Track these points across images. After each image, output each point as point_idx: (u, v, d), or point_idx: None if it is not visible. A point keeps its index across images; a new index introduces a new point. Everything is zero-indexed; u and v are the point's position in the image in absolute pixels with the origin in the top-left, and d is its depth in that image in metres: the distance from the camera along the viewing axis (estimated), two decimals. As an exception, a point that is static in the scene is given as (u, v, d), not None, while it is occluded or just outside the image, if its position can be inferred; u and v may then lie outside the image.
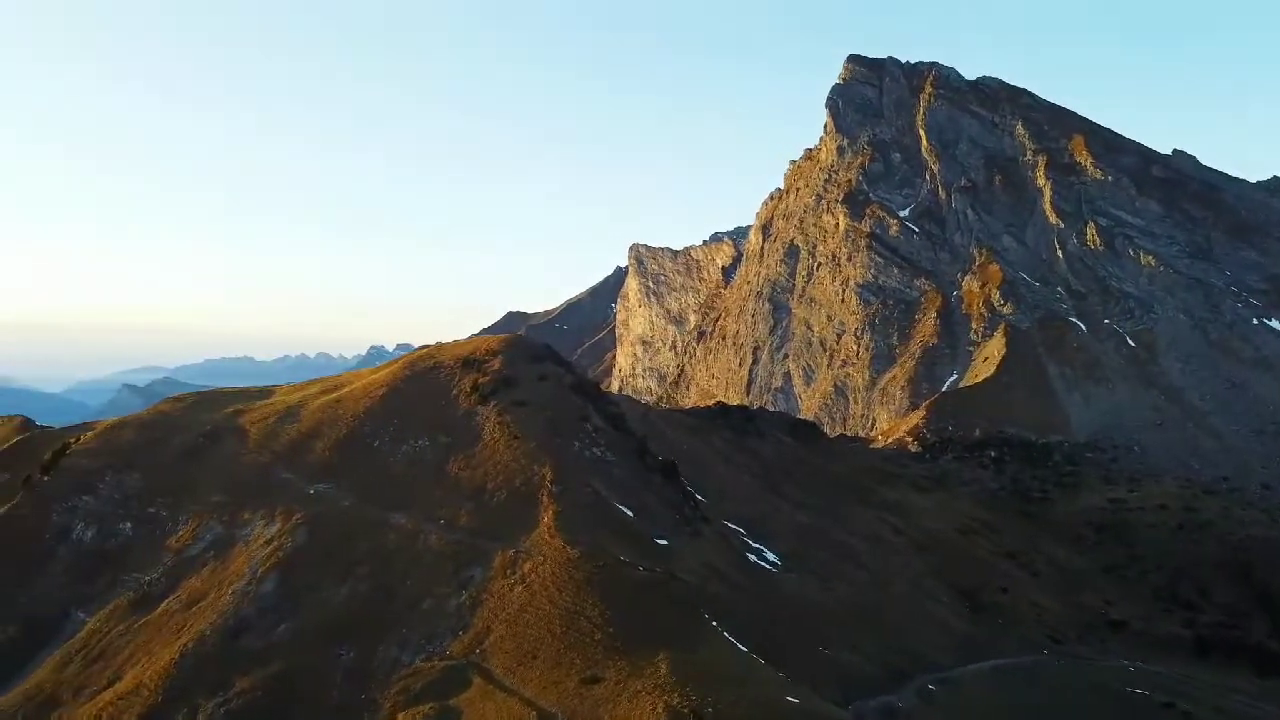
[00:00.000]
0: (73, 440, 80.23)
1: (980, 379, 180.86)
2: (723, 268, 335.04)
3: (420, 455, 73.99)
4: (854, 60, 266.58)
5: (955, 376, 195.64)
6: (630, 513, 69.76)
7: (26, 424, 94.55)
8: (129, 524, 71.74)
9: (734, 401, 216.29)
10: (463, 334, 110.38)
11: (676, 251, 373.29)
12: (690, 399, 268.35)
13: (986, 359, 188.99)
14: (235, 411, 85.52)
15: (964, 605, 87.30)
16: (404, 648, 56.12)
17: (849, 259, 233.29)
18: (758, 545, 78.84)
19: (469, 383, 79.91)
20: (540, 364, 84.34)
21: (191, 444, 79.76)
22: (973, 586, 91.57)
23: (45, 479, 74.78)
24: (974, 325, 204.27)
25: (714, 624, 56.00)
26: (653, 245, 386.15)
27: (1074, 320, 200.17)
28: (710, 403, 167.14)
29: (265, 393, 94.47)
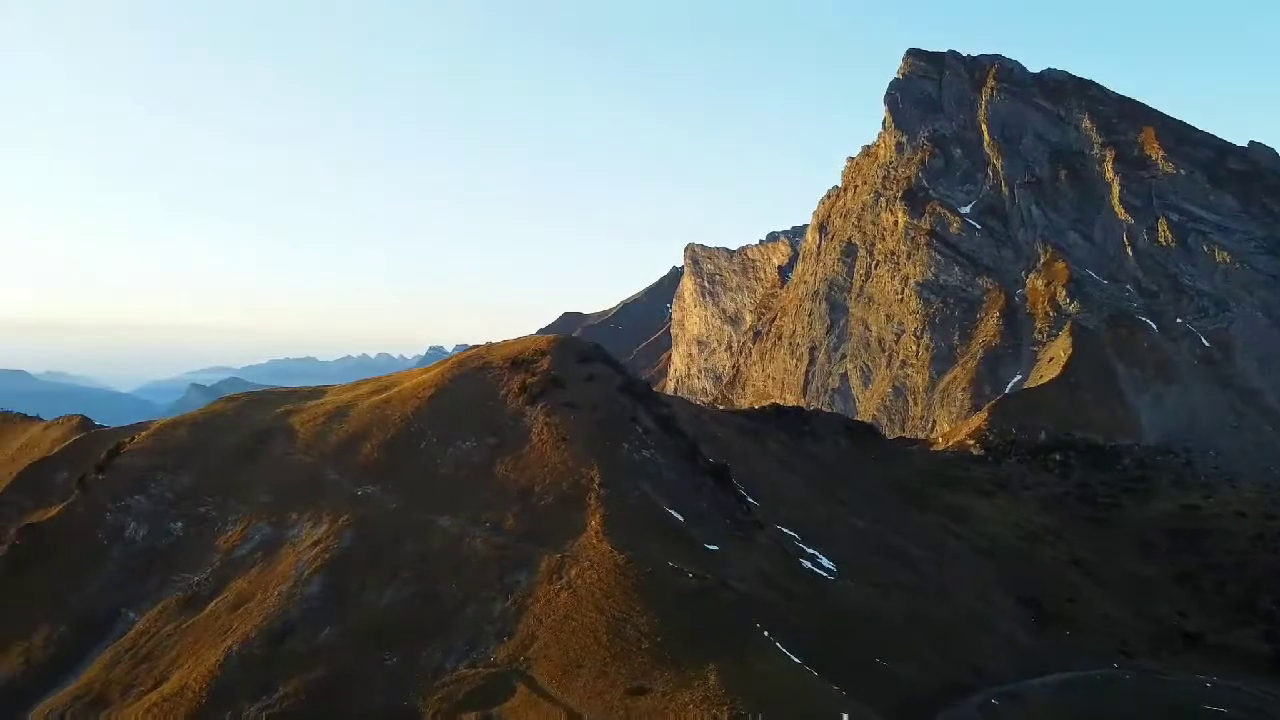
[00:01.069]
0: (127, 440, 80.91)
1: (1045, 380, 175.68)
2: (779, 267, 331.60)
3: (467, 457, 73.03)
4: (913, 54, 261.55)
5: (1019, 377, 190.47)
6: (680, 517, 68.00)
7: (85, 423, 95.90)
8: (180, 523, 71.92)
9: (790, 403, 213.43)
10: (520, 335, 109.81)
11: (732, 251, 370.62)
12: (746, 400, 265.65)
13: (1052, 359, 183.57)
14: (286, 411, 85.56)
15: (1029, 615, 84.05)
16: (447, 654, 55.03)
17: (908, 257, 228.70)
18: (812, 551, 76.48)
19: (517, 383, 78.84)
20: (589, 364, 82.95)
21: (242, 444, 79.90)
22: (1038, 595, 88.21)
23: (99, 478, 75.41)
24: (1038, 325, 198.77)
25: (766, 634, 54.08)
26: (708, 245, 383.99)
27: (1144, 319, 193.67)
28: (765, 404, 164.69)
29: (317, 393, 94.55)
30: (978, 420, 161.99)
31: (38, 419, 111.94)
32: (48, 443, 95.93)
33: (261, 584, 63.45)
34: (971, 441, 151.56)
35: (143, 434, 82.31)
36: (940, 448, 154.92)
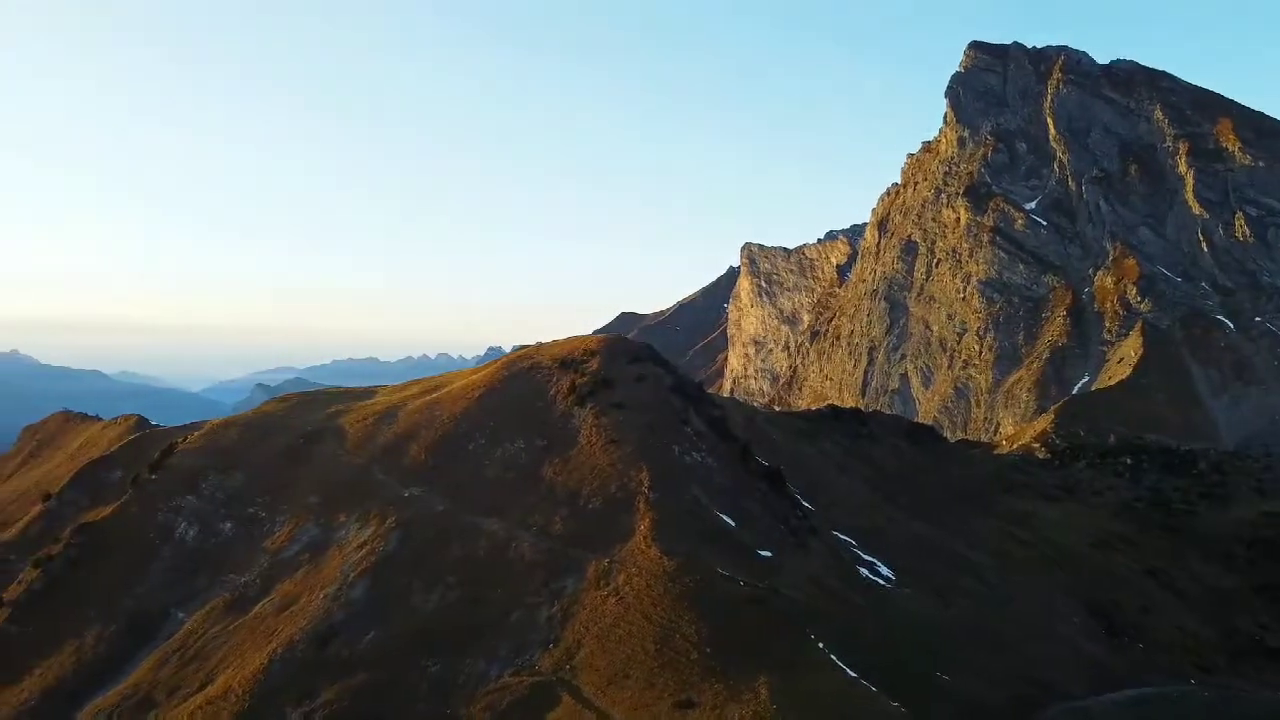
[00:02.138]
0: (180, 440, 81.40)
1: (1115, 381, 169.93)
2: (837, 266, 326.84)
3: (515, 458, 71.86)
4: (976, 47, 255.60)
5: (1087, 379, 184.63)
6: (732, 522, 65.98)
7: (141, 423, 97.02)
8: (229, 524, 71.96)
9: (848, 404, 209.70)
10: (577, 336, 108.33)
11: (790, 250, 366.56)
12: (803, 401, 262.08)
13: (1122, 360, 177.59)
14: (336, 412, 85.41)
15: (1099, 627, 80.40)
16: (491, 661, 53.82)
17: (971, 255, 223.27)
18: (870, 559, 73.84)
19: (566, 384, 77.46)
20: (639, 364, 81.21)
21: (292, 444, 79.81)
22: (1109, 606, 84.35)
23: (152, 478, 75.87)
24: (1108, 324, 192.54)
25: (820, 645, 51.90)
26: (766, 244, 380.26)
27: (1220, 318, 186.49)
28: (823, 405, 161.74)
29: (368, 393, 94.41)
30: (1043, 422, 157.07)
31: (97, 418, 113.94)
32: (105, 442, 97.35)
33: (308, 586, 63.00)
34: (1037, 444, 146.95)
35: (195, 434, 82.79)
36: (1004, 451, 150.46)
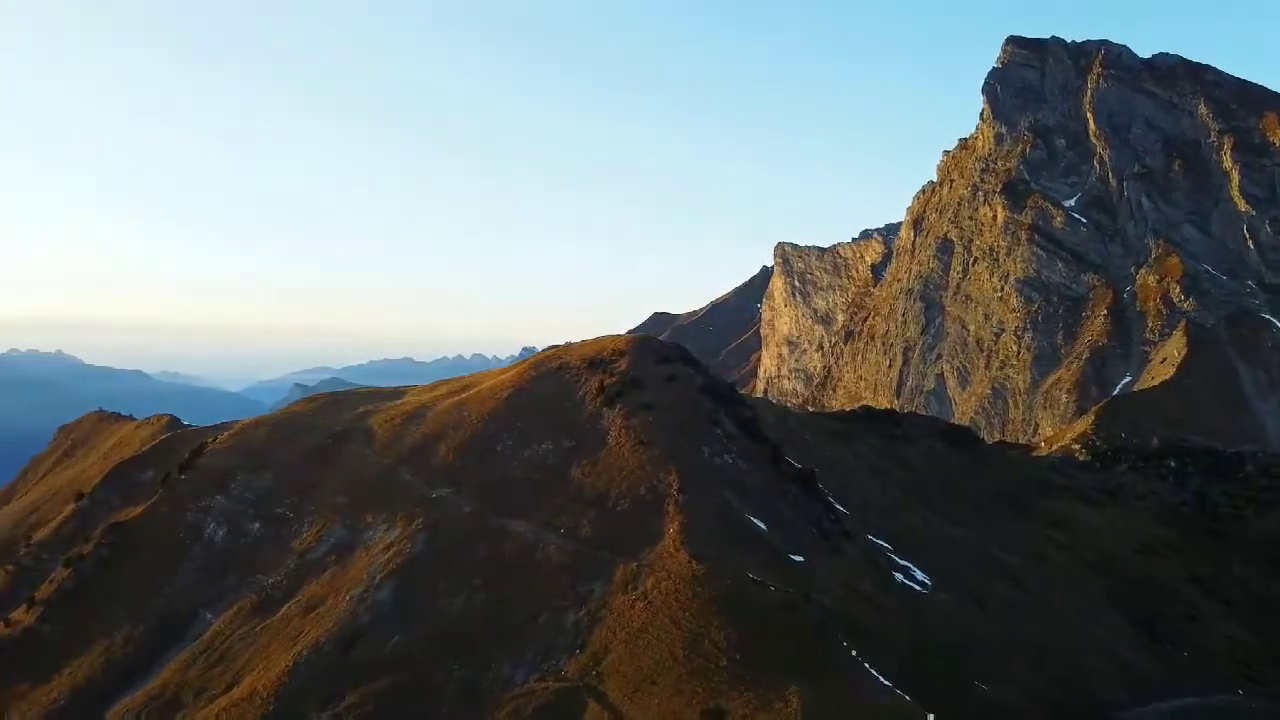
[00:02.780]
0: (210, 440, 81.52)
1: (1158, 382, 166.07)
2: (872, 265, 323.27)
3: (543, 460, 71.04)
4: (1013, 42, 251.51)
5: (1129, 379, 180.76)
6: (763, 526, 64.68)
7: (173, 423, 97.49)
8: (257, 524, 71.86)
9: (883, 404, 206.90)
10: (606, 335, 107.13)
11: (824, 249, 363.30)
12: (837, 401, 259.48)
13: (1165, 360, 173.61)
14: (365, 412, 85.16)
15: (1142, 635, 78.15)
16: (517, 665, 53.02)
17: (1008, 253, 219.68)
18: (905, 563, 72.22)
19: (595, 384, 76.52)
20: (669, 364, 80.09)
21: (320, 444, 79.66)
22: (1152, 614, 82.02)
23: (182, 478, 75.99)
24: (1150, 323, 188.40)
25: (853, 653, 50.57)
26: (799, 244, 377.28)
27: (1268, 317, 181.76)
28: (857, 406, 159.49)
29: (397, 393, 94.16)
30: (1084, 424, 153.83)
31: (130, 418, 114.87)
32: (137, 441, 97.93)
33: (334, 588, 62.62)
34: (1077, 446, 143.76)
35: (225, 434, 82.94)
36: (1043, 453, 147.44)
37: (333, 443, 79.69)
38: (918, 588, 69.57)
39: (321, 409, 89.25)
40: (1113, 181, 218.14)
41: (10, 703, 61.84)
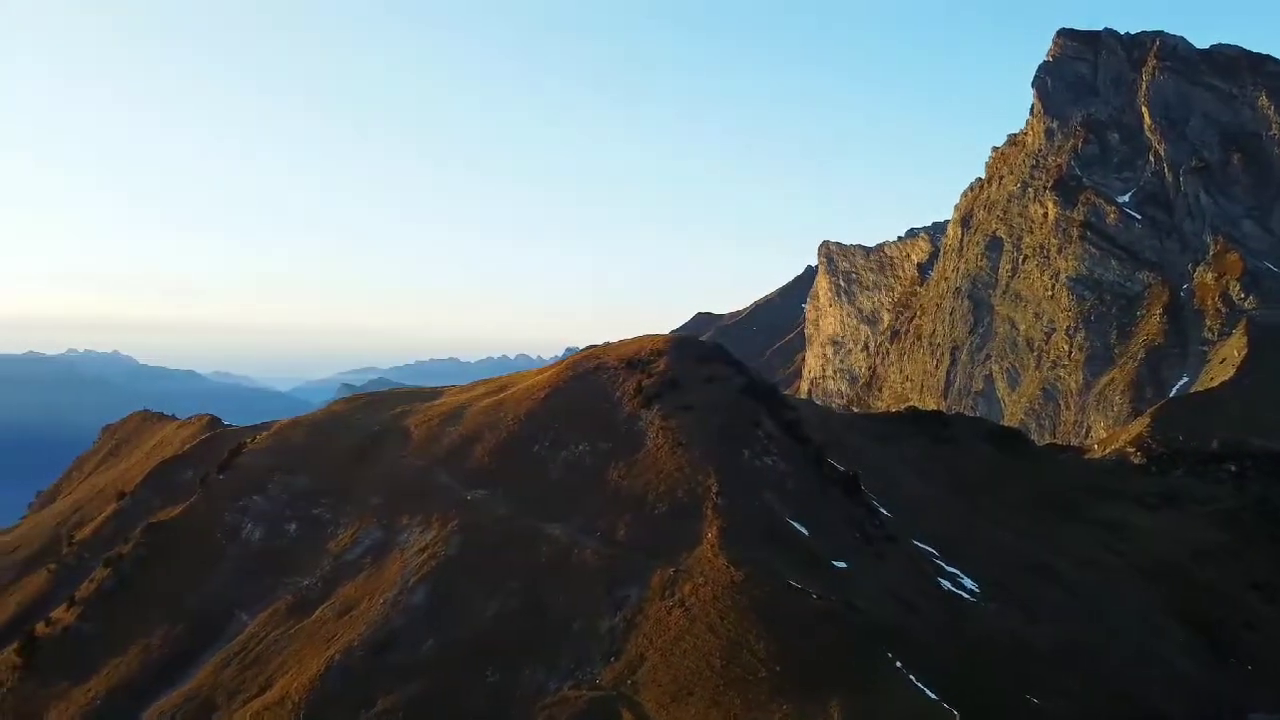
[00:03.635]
0: (249, 440, 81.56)
1: (1217, 383, 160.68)
2: (918, 264, 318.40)
3: (579, 462, 69.91)
4: (1065, 34, 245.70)
5: (1186, 380, 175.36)
6: (805, 530, 62.93)
7: (213, 422, 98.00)
8: (294, 525, 71.61)
9: (929, 406, 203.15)
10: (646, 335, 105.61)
11: (869, 249, 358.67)
12: (883, 402, 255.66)
13: (1224, 360, 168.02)
14: (402, 412, 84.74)
15: (1201, 646, 75.09)
16: (551, 672, 51.92)
17: (1059, 251, 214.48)
18: (952, 570, 69.92)
19: (632, 385, 75.20)
20: (708, 364, 78.56)
21: (357, 445, 79.33)
22: (1212, 623, 78.75)
23: (220, 478, 76.05)
24: (1208, 322, 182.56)
25: (897, 664, 48.74)
26: (844, 243, 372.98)
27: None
28: (903, 407, 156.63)
29: (435, 393, 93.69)
30: (1139, 426, 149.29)
31: (173, 418, 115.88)
32: (179, 441, 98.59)
33: (368, 590, 62.02)
34: (1132, 449, 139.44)
35: (264, 434, 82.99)
36: (1096, 456, 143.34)
37: (370, 443, 79.33)
38: (965, 595, 67.32)
39: (360, 409, 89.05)
40: (1169, 176, 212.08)
41: (50, 702, 62.11)
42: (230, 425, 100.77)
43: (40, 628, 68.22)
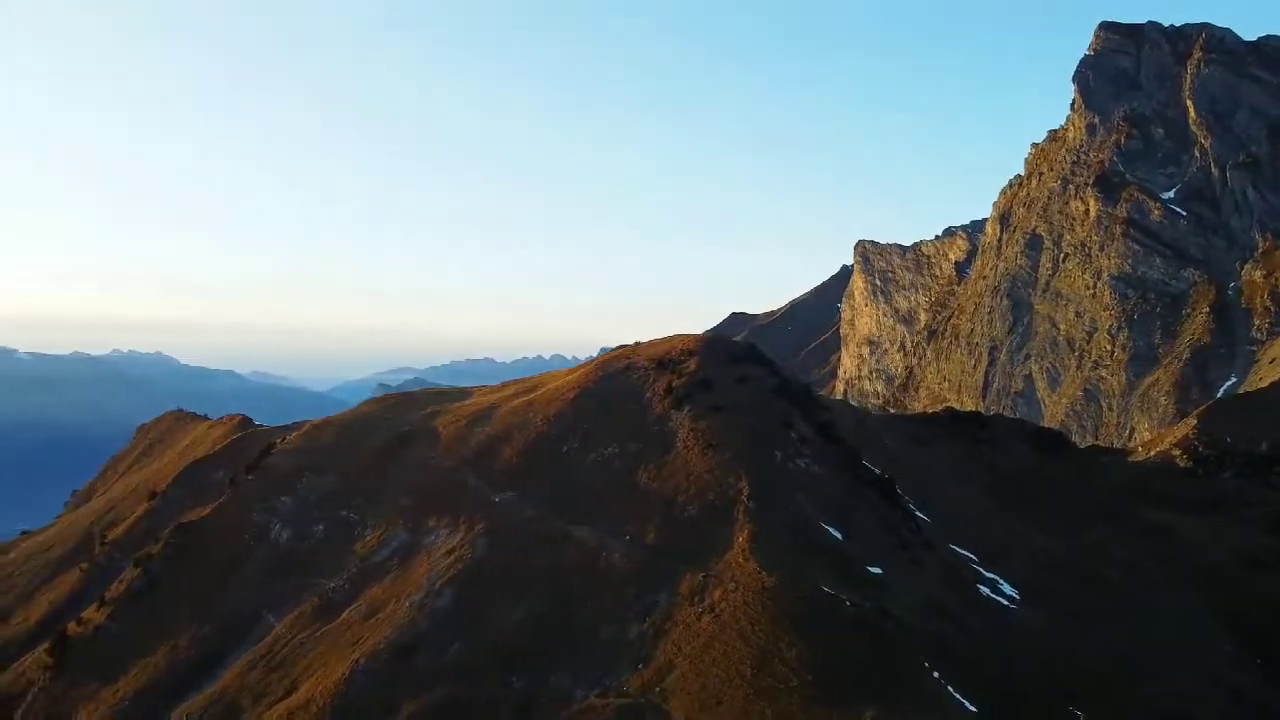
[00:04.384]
0: (278, 440, 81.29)
1: (1266, 383, 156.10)
2: (956, 263, 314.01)
3: (608, 463, 68.72)
4: (1106, 28, 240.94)
5: (1234, 380, 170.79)
6: (839, 535, 61.29)
7: (245, 422, 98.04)
8: (321, 526, 71.15)
9: (967, 407, 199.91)
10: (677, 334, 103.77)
11: (905, 247, 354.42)
12: (919, 403, 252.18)
13: (1274, 360, 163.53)
14: (431, 413, 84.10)
15: (1252, 657, 72.34)
16: (577, 679, 50.74)
17: (1101, 248, 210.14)
18: (991, 576, 67.97)
19: (663, 385, 73.88)
20: (740, 365, 77.04)
21: (386, 446, 78.75)
22: (1264, 633, 75.85)
23: (249, 479, 75.79)
24: (1257, 321, 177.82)
25: (935, 674, 47.12)
26: (880, 242, 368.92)
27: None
28: (940, 408, 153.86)
29: (464, 394, 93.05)
30: (1185, 428, 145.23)
31: (205, 417, 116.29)
32: (210, 441, 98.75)
33: (395, 592, 61.31)
34: (1178, 452, 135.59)
35: (294, 435, 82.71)
36: (1140, 458, 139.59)
37: (398, 444, 78.74)
38: (1005, 602, 65.35)
39: (389, 409, 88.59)
40: (1215, 172, 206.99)
41: (79, 702, 62.17)
42: (261, 425, 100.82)
43: (72, 627, 68.44)
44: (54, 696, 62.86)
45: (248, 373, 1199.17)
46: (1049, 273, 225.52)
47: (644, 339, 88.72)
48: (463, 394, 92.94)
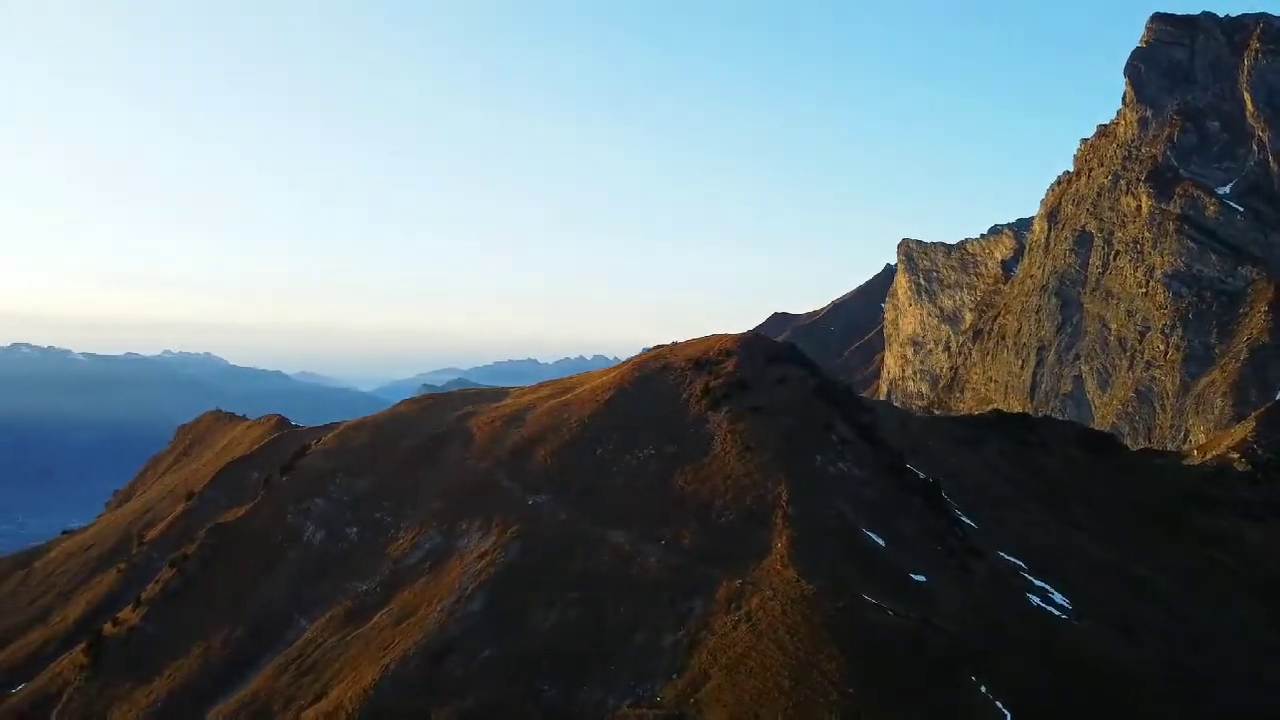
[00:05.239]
0: (313, 441, 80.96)
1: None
2: (1002, 261, 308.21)
3: (644, 466, 67.33)
4: (1159, 19, 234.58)
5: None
6: (881, 542, 59.38)
7: (281, 423, 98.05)
8: (354, 528, 70.58)
9: (1014, 408, 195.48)
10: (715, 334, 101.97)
11: (950, 246, 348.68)
12: (965, 405, 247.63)
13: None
14: (466, 414, 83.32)
15: (1318, 671, 69.10)
16: (610, 689, 49.42)
17: (1154, 246, 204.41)
18: (1041, 584, 65.53)
19: (699, 386, 72.36)
20: (779, 365, 75.28)
21: (419, 446, 78.11)
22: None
23: (283, 479, 75.47)
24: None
25: (982, 688, 45.21)
26: (924, 241, 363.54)
27: None
28: (987, 409, 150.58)
29: (500, 394, 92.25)
30: (1242, 430, 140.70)
31: (244, 418, 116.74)
32: (248, 442, 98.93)
33: (426, 597, 60.43)
34: (1235, 455, 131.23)
35: (328, 435, 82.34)
36: (1195, 462, 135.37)
37: (432, 445, 78.03)
38: (1056, 612, 62.89)
39: (424, 410, 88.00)
40: (1274, 166, 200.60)
41: (114, 703, 62.09)
42: (298, 425, 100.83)
43: (107, 628, 68.50)
44: (89, 697, 62.86)
45: (295, 373, 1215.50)
46: (1099, 271, 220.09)
47: (687, 340, 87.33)
48: (498, 395, 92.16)
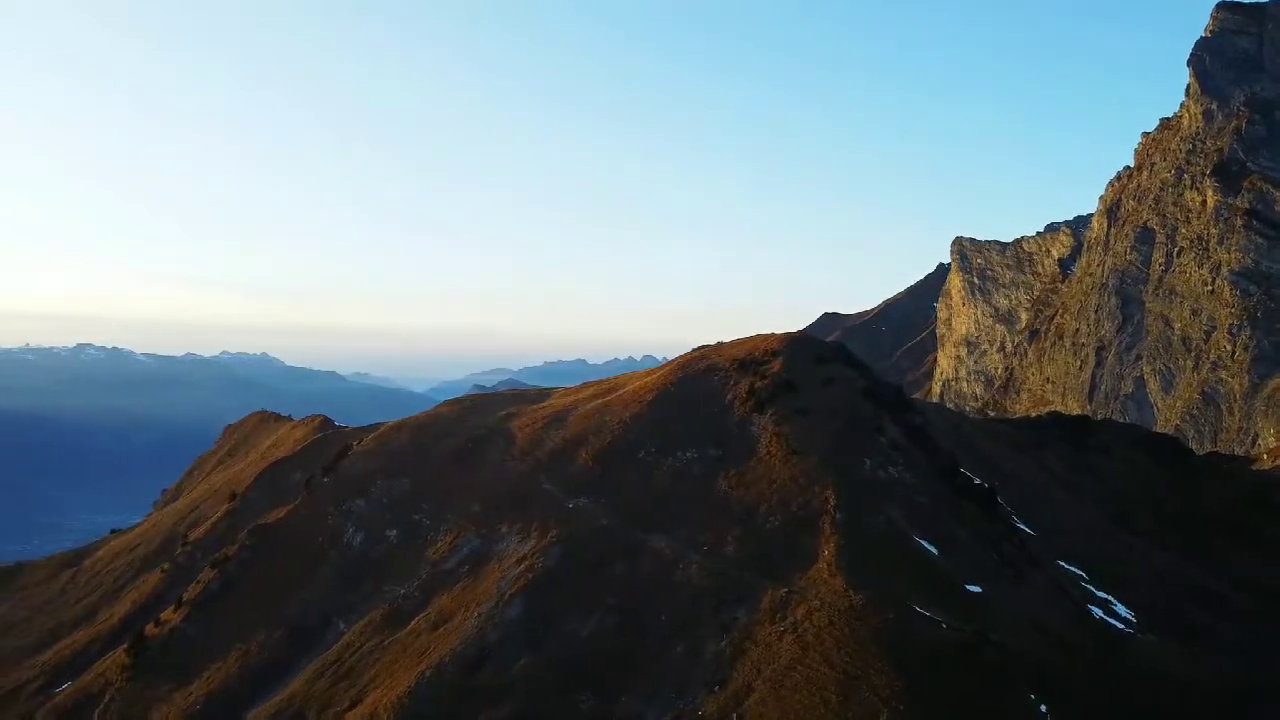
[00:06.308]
0: (355, 442, 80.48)
1: None
2: (1059, 259, 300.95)
3: (687, 469, 65.57)
4: (1225, 8, 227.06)
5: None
6: (933, 550, 56.91)
7: (325, 424, 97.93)
8: (394, 531, 69.78)
9: (1073, 410, 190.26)
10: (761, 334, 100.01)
11: (1005, 244, 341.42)
12: (1020, 406, 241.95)
13: None
14: (507, 415, 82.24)
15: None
16: (650, 700, 47.82)
17: (1220, 242, 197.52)
18: (1104, 596, 62.62)
19: (744, 387, 70.38)
20: (826, 365, 73.00)
21: (460, 448, 77.14)
22: None
23: (325, 481, 75.01)
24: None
25: (1041, 707, 42.78)
26: (978, 239, 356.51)
27: None
28: (1044, 411, 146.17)
29: (542, 395, 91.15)
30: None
31: (289, 418, 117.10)
32: (291, 442, 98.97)
33: (464, 602, 59.35)
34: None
35: (369, 436, 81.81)
36: (1265, 466, 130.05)
37: (472, 446, 77.03)
38: (1120, 625, 59.97)
39: (465, 411, 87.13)
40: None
41: (154, 704, 61.93)
42: (342, 426, 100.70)
43: (150, 629, 68.53)
44: (130, 698, 62.80)
45: (349, 374, 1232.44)
46: (1162, 268, 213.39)
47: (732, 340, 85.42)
48: (540, 395, 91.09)
